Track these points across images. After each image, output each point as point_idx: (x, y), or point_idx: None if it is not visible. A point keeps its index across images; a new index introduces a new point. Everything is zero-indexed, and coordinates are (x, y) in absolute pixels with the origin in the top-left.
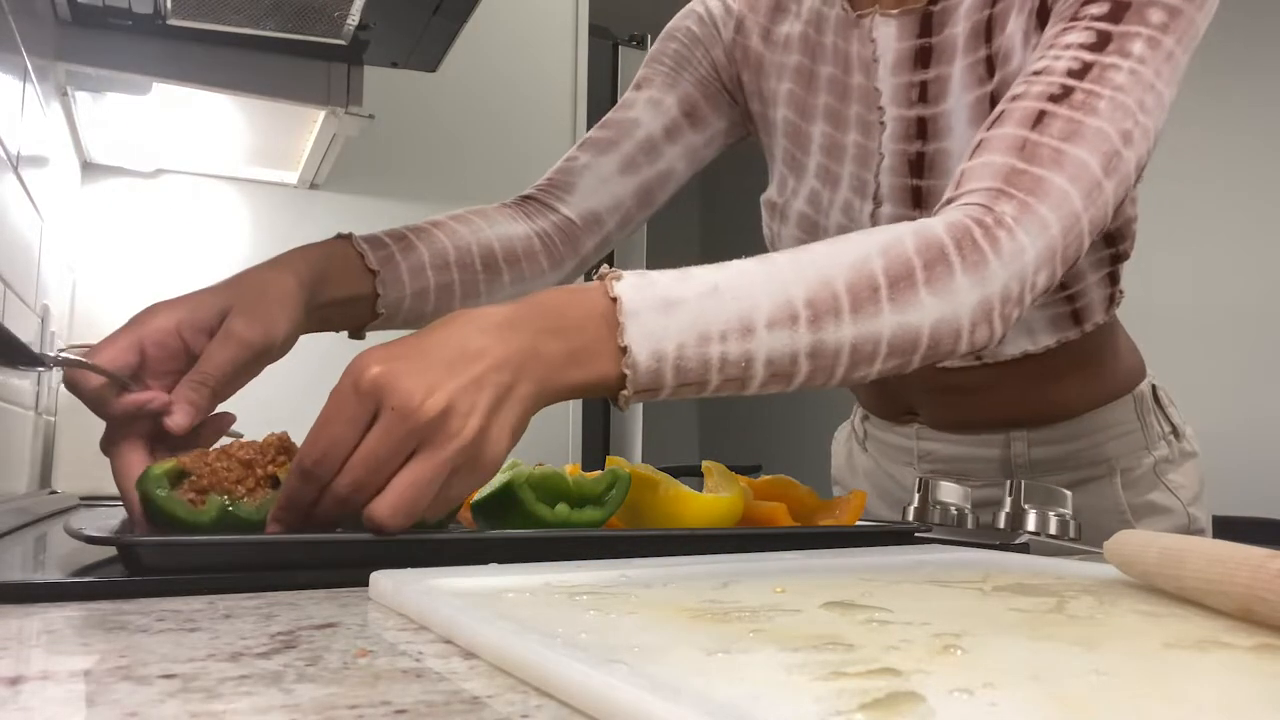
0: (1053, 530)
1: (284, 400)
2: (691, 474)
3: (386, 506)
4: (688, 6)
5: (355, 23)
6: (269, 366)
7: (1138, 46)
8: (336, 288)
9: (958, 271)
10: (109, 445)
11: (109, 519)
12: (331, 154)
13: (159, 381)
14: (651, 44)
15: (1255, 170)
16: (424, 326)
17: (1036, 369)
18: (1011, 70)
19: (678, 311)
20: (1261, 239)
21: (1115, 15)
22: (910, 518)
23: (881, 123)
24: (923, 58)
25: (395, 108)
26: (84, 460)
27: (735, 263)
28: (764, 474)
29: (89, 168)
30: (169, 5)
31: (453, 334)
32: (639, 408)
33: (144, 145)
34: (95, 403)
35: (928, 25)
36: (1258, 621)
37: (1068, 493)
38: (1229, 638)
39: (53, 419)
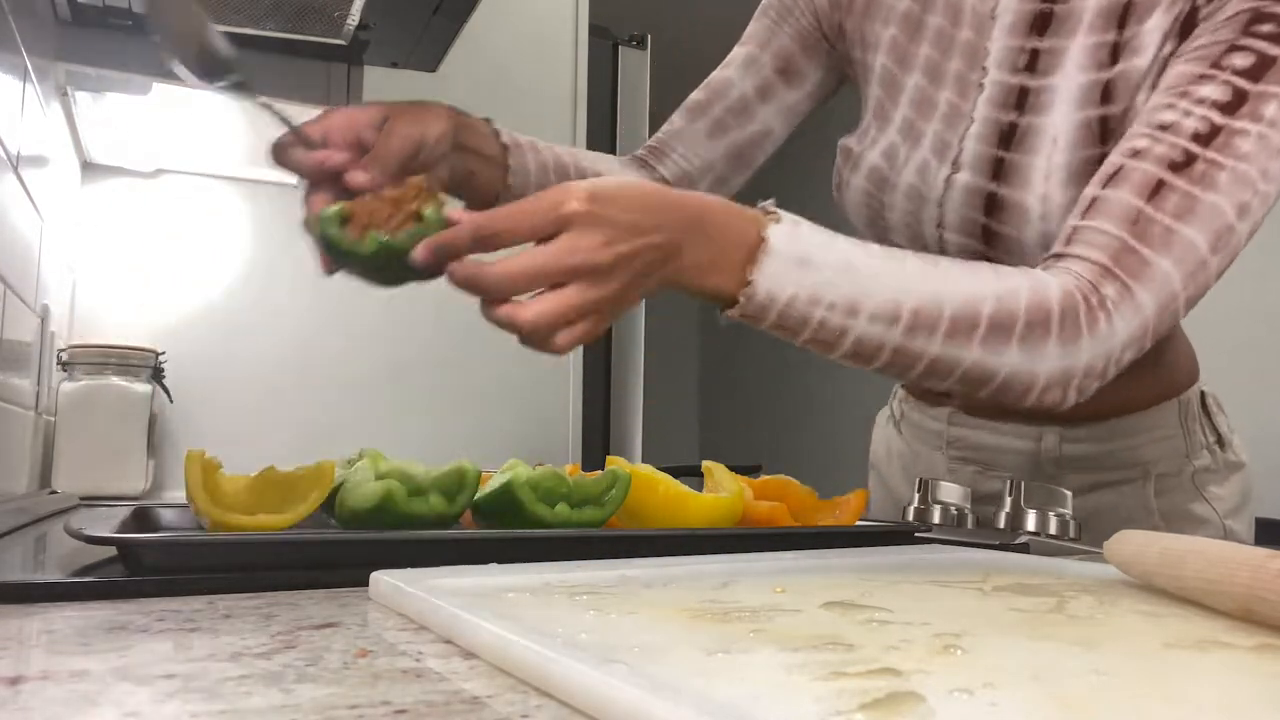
0: (1053, 530)
1: (319, 418)
2: (691, 474)
3: (531, 313)
4: None
5: (355, 23)
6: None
7: (1271, 109)
8: (475, 139)
9: (1053, 339)
10: (306, 198)
11: (109, 519)
12: None
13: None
14: (652, 44)
15: None
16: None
17: None
18: (1135, 65)
19: (808, 271)
20: None
21: (1256, 72)
22: (910, 518)
23: (981, 84)
24: (1040, 23)
25: None
26: (84, 460)
27: (876, 248)
28: (764, 474)
29: (89, 168)
30: None
31: (637, 200)
32: (639, 408)
33: (144, 145)
34: (291, 162)
35: None
36: (1258, 621)
37: (1068, 493)
38: (1229, 638)
39: (53, 419)
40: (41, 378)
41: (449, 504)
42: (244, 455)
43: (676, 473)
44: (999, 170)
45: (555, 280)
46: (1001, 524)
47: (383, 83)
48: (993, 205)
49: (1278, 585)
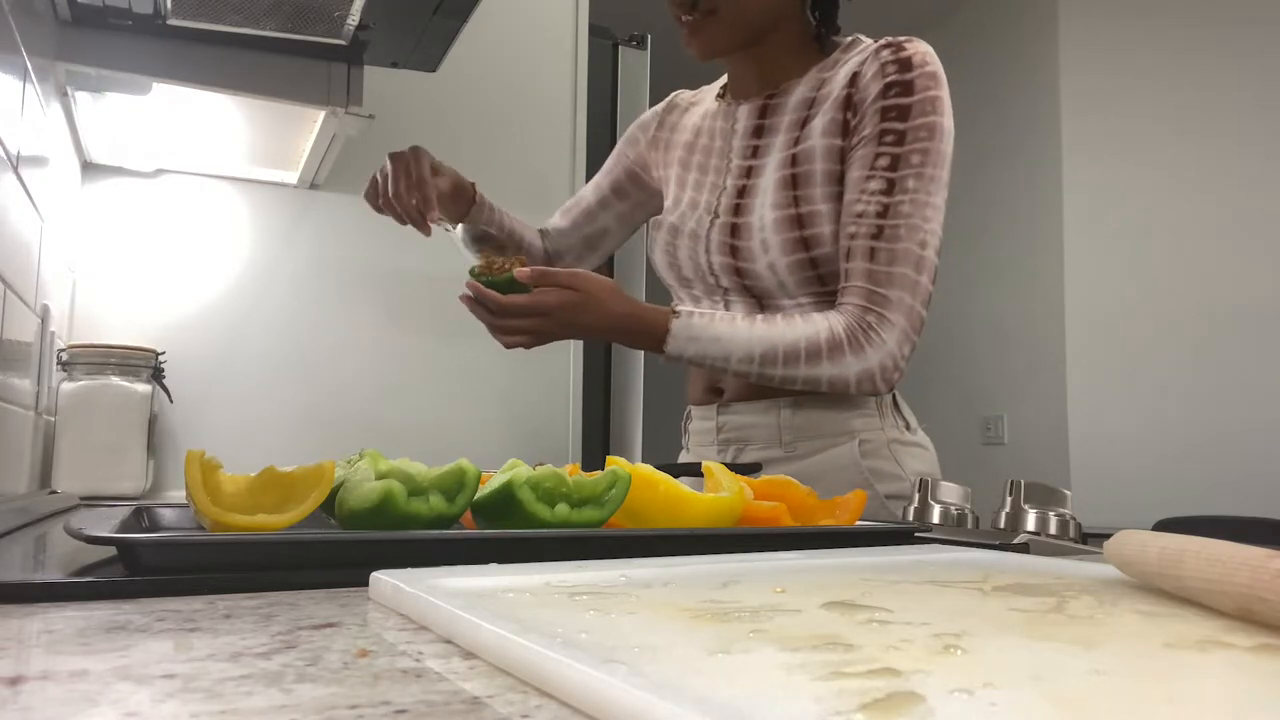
0: (1053, 530)
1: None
2: (691, 474)
3: (511, 342)
4: (645, 112)
5: (355, 23)
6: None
7: (910, 183)
8: (457, 192)
9: (847, 354)
10: (401, 157)
11: (109, 519)
12: (331, 154)
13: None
14: (652, 44)
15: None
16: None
17: None
18: (809, 145)
19: (695, 343)
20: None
21: (893, 165)
22: (910, 518)
23: (729, 166)
24: (758, 131)
25: (395, 108)
26: (84, 460)
27: (738, 318)
28: (764, 474)
29: (89, 168)
30: (169, 5)
31: (582, 316)
32: (639, 410)
33: (144, 145)
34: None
35: (765, 110)
36: (1258, 621)
37: (1067, 493)
38: (1229, 638)
39: (53, 419)
40: (41, 378)
41: (449, 504)
42: (244, 455)
43: (676, 473)
44: (738, 210)
45: (526, 328)
46: (1001, 524)
47: (383, 83)
48: (734, 230)
49: (1277, 585)
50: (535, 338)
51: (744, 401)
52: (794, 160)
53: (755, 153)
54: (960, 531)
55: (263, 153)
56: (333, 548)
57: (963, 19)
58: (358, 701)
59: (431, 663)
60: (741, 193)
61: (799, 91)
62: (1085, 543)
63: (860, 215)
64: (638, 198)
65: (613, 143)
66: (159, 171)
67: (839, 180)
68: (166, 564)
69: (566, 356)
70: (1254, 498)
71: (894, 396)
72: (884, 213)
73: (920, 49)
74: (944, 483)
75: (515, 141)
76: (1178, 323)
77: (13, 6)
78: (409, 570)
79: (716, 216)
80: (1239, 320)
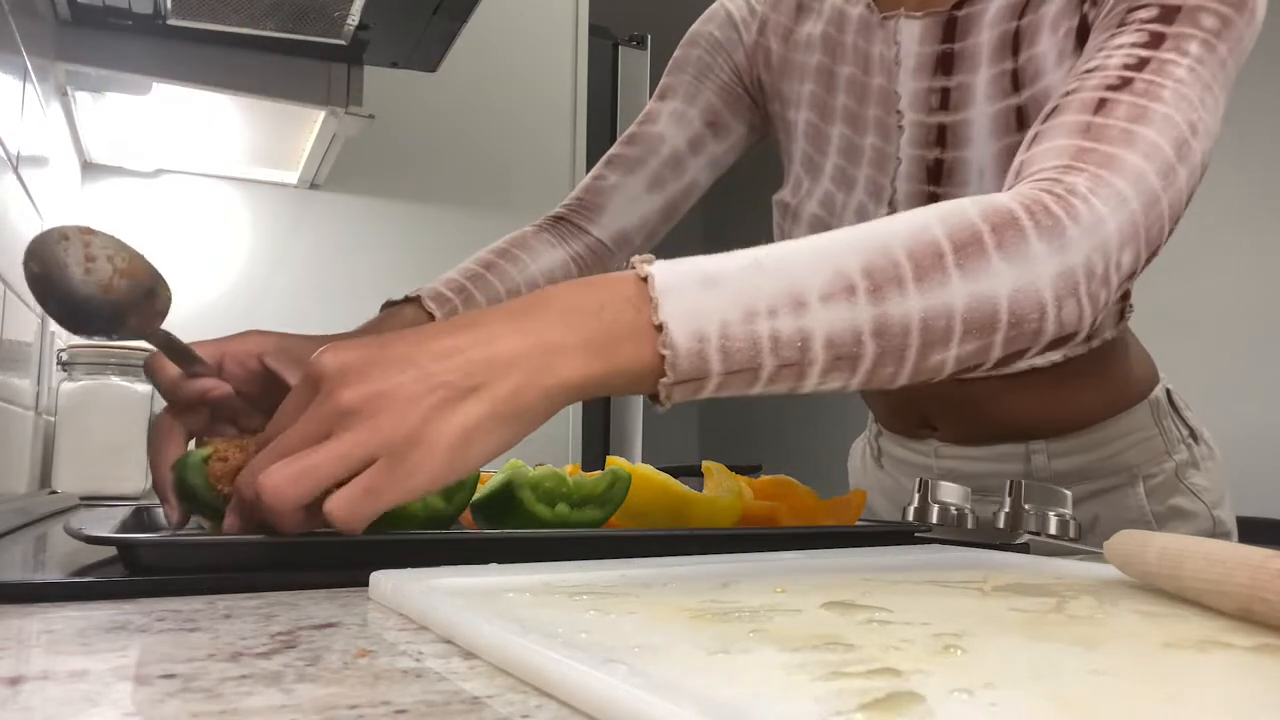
0: (1053, 530)
1: None
2: (691, 474)
3: (274, 476)
4: (711, 8)
5: (355, 23)
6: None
7: (1194, 47)
8: None
9: (1031, 237)
10: (155, 425)
11: (109, 519)
12: (331, 154)
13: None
14: (652, 44)
15: (1263, 169)
16: None
17: (1046, 378)
18: (1041, 87)
19: (719, 286)
20: (1267, 240)
21: (1167, 17)
22: (910, 518)
23: (900, 126)
24: (945, 64)
25: (395, 108)
26: (84, 460)
27: (775, 244)
28: (764, 474)
29: (89, 168)
30: (169, 5)
31: (425, 333)
32: (639, 407)
33: (144, 145)
34: (167, 389)
35: (951, 30)
36: (1258, 621)
37: (1068, 493)
38: (1229, 638)
39: (53, 419)
40: (41, 378)
41: (446, 503)
42: None
43: (676, 473)
44: (935, 193)
45: (308, 437)
46: (1001, 524)
47: (383, 83)
48: None
49: (1277, 585)
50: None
51: (972, 446)
52: (1019, 117)
53: (945, 101)
54: (960, 531)
55: (263, 153)
56: (333, 548)
57: None
58: (358, 701)
59: (431, 663)
60: (936, 174)
61: None
62: (1085, 543)
63: (1090, 71)
64: (738, 133)
65: (613, 142)
66: (159, 171)
67: None
68: (166, 564)
69: None
70: (1254, 498)
71: (1169, 395)
72: (1139, 65)
73: None
74: (944, 483)
75: (515, 141)
76: (1178, 322)
77: (13, 6)
78: (409, 570)
79: (893, 208)
80: (1240, 320)
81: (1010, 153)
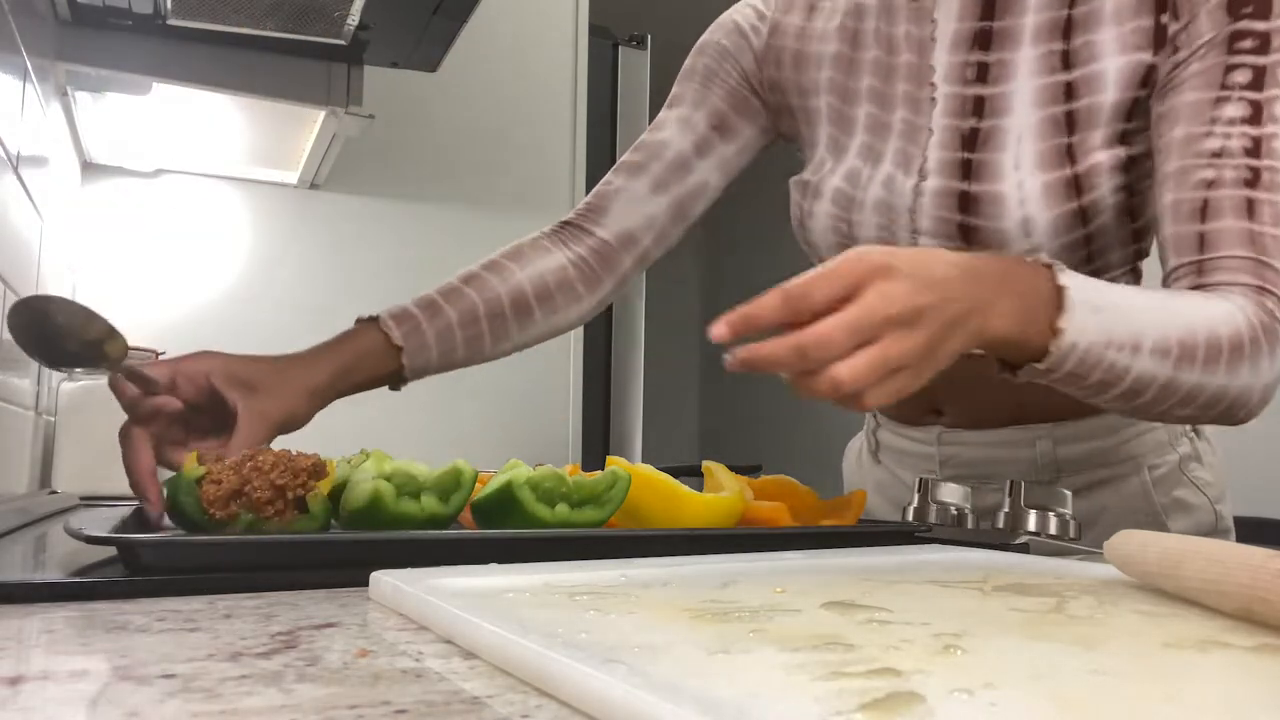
0: (1053, 530)
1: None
2: (691, 474)
3: (848, 368)
4: (719, 19)
5: (355, 23)
6: None
7: (1278, 108)
8: (362, 374)
9: (1264, 354)
10: (123, 436)
11: (109, 519)
12: (331, 154)
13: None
14: (652, 44)
15: None
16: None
17: None
18: (1095, 70)
19: (1101, 315)
20: None
21: (1257, 83)
22: (910, 518)
23: (933, 99)
24: (983, 39)
25: (395, 108)
26: (84, 460)
27: (1130, 291)
28: (764, 474)
29: (89, 168)
30: (169, 5)
31: (934, 260)
32: (639, 408)
33: (144, 145)
34: (129, 406)
35: (990, 9)
36: (1258, 621)
37: (1068, 493)
38: (1229, 638)
39: (53, 419)
40: (41, 378)
41: (442, 504)
42: None
43: (676, 473)
44: (968, 170)
45: (870, 334)
46: (1001, 524)
47: (383, 83)
48: (967, 202)
49: (1277, 585)
50: (911, 365)
51: (982, 430)
52: (1069, 90)
53: (983, 75)
54: (960, 531)
55: (263, 153)
56: (333, 548)
57: None
58: (358, 701)
59: (431, 663)
60: (971, 141)
61: None
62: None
63: (1218, 155)
64: (748, 135)
65: (613, 143)
66: (159, 171)
67: (1131, 115)
68: (166, 564)
69: (566, 356)
70: (1254, 498)
71: None
72: (1256, 150)
73: None
74: (944, 483)
75: (515, 141)
76: None
77: (13, 6)
78: (409, 570)
79: (924, 177)
80: None
81: (1054, 121)
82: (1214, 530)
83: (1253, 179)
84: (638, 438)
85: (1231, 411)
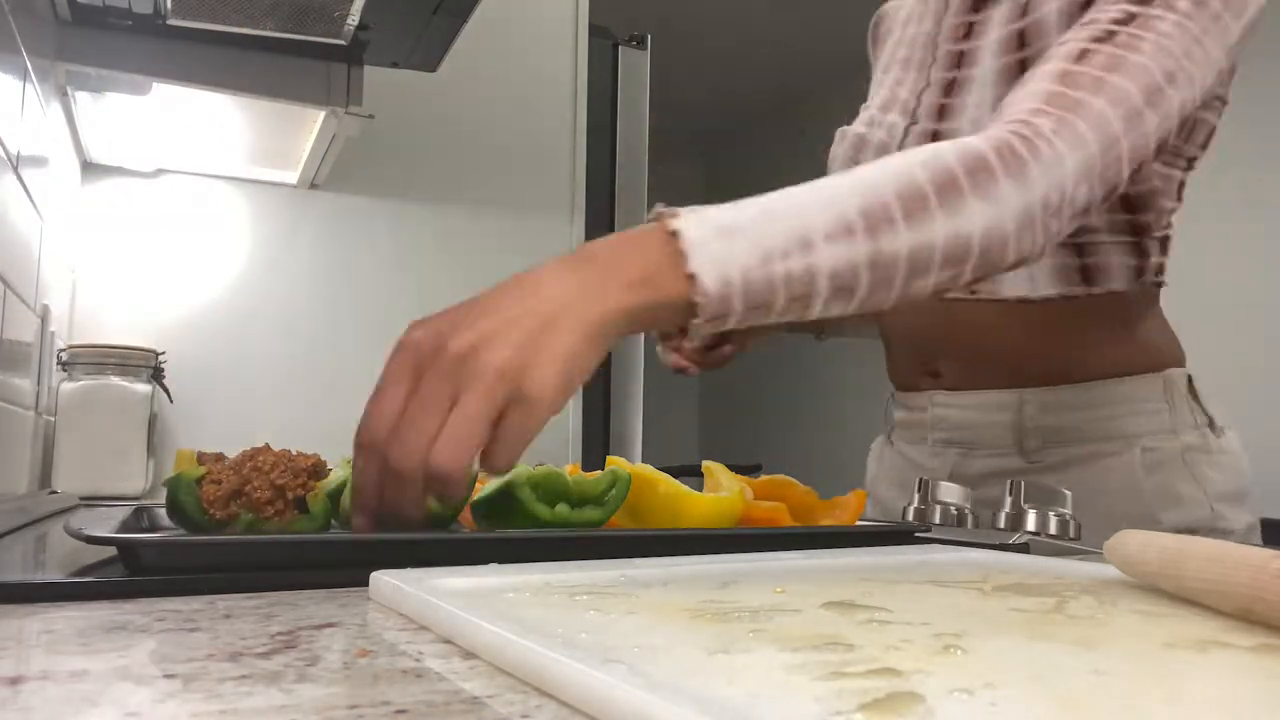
0: (1053, 530)
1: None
2: (691, 474)
3: (440, 451)
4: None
5: (355, 23)
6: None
7: (1182, 3)
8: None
9: (1000, 178)
10: None
11: (109, 519)
12: (331, 154)
13: None
14: (652, 44)
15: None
16: None
17: (1045, 317)
18: (1041, 16)
19: (738, 236)
20: None
21: None
22: (910, 518)
23: (934, 57)
24: (977, 3)
25: (395, 108)
26: (84, 460)
27: (781, 191)
28: (764, 474)
29: (89, 168)
30: (169, 5)
31: (499, 287)
32: (639, 407)
33: (144, 145)
34: None
35: None
36: (1258, 621)
37: (1068, 493)
38: (1229, 638)
39: (53, 419)
40: (41, 378)
41: (438, 501)
42: None
43: (676, 473)
44: (942, 113)
45: (433, 407)
46: (1001, 524)
47: (383, 83)
48: (937, 139)
49: (1278, 585)
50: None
51: (968, 391)
52: (1020, 39)
53: (969, 32)
54: (960, 531)
55: (263, 153)
56: (333, 548)
57: None
58: (358, 701)
59: (431, 663)
60: (949, 89)
61: None
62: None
63: (1084, 24)
64: None
65: (613, 142)
66: (159, 171)
67: None
68: (166, 564)
69: None
70: (1254, 498)
71: (1190, 381)
72: (1126, 20)
73: None
74: (944, 483)
75: (515, 141)
76: (1178, 323)
77: (13, 6)
78: (409, 570)
79: (914, 122)
80: (1241, 319)
81: (1009, 69)
82: (1209, 530)
83: (1103, 36)
84: (638, 438)
85: (993, 256)
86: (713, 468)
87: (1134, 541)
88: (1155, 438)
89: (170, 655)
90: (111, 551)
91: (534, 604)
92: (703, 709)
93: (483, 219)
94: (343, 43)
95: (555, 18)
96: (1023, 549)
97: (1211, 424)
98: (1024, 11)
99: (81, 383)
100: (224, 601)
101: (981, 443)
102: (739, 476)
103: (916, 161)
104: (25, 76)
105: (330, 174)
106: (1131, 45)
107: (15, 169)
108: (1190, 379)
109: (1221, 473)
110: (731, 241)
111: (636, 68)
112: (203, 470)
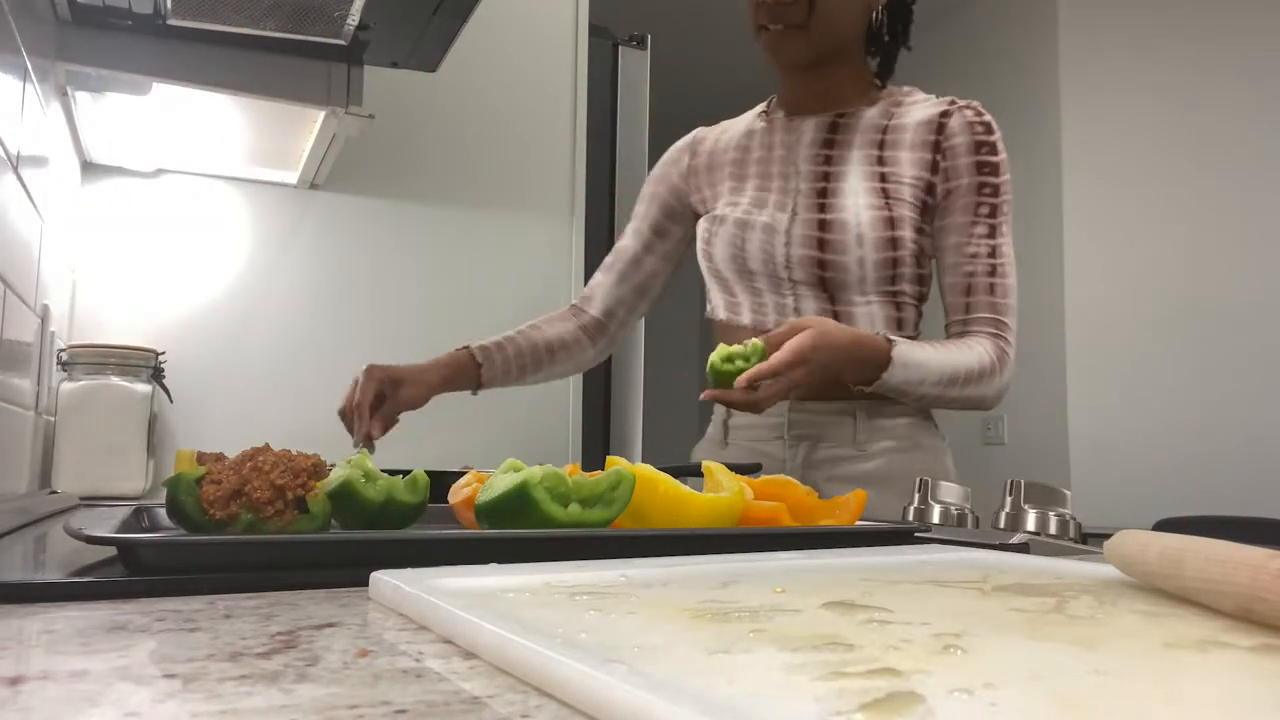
0: (1053, 530)
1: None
2: (691, 474)
3: (766, 399)
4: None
5: (355, 23)
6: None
7: (1004, 229)
8: (456, 384)
9: (995, 377)
10: (365, 372)
11: (109, 519)
12: (331, 154)
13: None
14: (652, 44)
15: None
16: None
17: None
18: (893, 170)
19: (909, 369)
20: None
21: (993, 214)
22: (910, 518)
23: (798, 172)
24: (830, 143)
25: (395, 108)
26: (84, 460)
27: (928, 348)
28: (764, 474)
29: (89, 168)
30: (169, 5)
31: (824, 353)
32: (639, 408)
33: (144, 145)
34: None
35: (835, 126)
36: (1258, 621)
37: (1067, 493)
38: (1229, 638)
39: (53, 419)
40: (41, 378)
41: (412, 496)
42: None
43: (676, 473)
44: (822, 208)
45: (797, 379)
46: (1001, 524)
47: (383, 83)
48: (823, 226)
49: (1278, 585)
50: (802, 388)
51: (819, 400)
52: (882, 175)
53: (829, 160)
54: (960, 531)
55: (263, 153)
56: (333, 548)
57: (964, 17)
58: (358, 701)
59: (431, 663)
60: (823, 194)
61: (870, 116)
62: (1085, 543)
63: (974, 256)
64: (678, 232)
65: (613, 142)
66: (159, 171)
67: (922, 205)
68: (166, 564)
69: None
70: (1254, 498)
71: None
72: (993, 254)
73: (989, 115)
74: (944, 483)
75: (515, 141)
76: (1179, 323)
77: (13, 6)
78: (409, 570)
79: (796, 214)
80: (1240, 320)
81: (875, 189)
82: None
83: (992, 271)
84: (638, 438)
85: (981, 406)
86: (713, 468)
87: (1134, 541)
88: (929, 439)
89: (170, 655)
90: (111, 551)
91: (534, 604)
92: (703, 709)
93: (482, 219)
94: (343, 43)
95: (555, 18)
96: (1023, 549)
97: (941, 435)
98: (880, 160)
99: (81, 383)
100: (224, 601)
101: (826, 438)
102: (739, 476)
103: (975, 361)
104: (25, 76)
105: (330, 174)
106: (1003, 273)
107: (15, 169)
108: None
109: (953, 463)
110: (905, 370)
111: (636, 68)
112: (203, 470)
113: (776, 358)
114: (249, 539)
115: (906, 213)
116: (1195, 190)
